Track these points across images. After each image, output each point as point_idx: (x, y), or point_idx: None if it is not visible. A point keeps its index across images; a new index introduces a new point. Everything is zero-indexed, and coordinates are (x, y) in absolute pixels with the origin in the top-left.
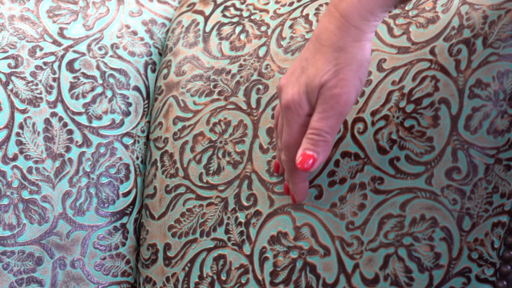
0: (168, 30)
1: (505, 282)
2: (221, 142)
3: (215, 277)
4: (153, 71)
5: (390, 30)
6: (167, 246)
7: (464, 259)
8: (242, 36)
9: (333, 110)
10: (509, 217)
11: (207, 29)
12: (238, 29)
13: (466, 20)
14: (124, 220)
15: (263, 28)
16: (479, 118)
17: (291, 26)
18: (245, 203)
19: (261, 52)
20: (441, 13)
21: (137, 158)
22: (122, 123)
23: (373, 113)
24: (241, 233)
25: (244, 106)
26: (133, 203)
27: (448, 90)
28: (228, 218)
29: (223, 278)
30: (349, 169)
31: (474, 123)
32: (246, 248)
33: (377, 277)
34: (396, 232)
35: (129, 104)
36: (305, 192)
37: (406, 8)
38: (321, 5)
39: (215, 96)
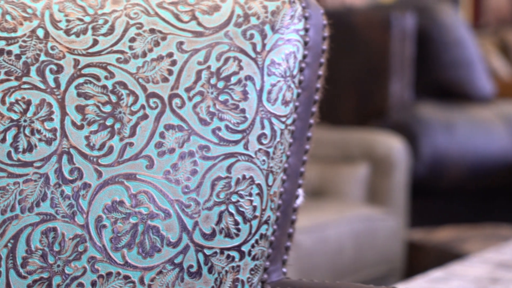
0: None
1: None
2: (25, 120)
3: (46, 249)
4: None
5: (176, 15)
6: None
7: (268, 209)
8: (8, 18)
9: None
10: None
11: None
12: None
13: (248, 9)
14: None
15: (29, 10)
16: (276, 92)
17: (61, 10)
18: (69, 177)
19: (40, 34)
20: (220, 1)
21: None
22: None
23: (187, 90)
24: (70, 205)
25: (42, 86)
26: None
27: (251, 68)
28: (52, 192)
29: (56, 249)
30: (175, 139)
31: (273, 96)
32: (79, 219)
33: (214, 231)
34: (225, 191)
35: None
36: None
37: None
38: None
39: (3, 76)
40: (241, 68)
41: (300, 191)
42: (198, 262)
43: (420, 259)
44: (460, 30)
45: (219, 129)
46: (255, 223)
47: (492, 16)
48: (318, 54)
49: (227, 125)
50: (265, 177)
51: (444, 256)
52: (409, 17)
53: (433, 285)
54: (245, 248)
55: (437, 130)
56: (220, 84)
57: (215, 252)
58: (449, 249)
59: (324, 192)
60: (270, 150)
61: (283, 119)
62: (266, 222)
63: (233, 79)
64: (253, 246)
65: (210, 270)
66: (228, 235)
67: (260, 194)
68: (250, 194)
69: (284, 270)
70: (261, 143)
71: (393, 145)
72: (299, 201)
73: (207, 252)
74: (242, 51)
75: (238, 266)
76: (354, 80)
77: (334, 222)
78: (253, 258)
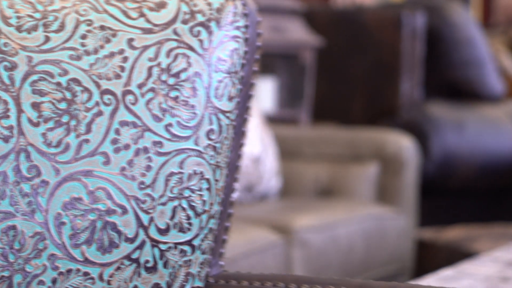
0: None
1: None
2: None
3: (7, 247)
4: None
5: (124, 12)
6: None
7: (215, 204)
8: None
9: None
10: None
11: None
12: None
13: (194, 6)
14: None
15: None
16: (222, 88)
17: (10, 6)
18: (27, 175)
19: None
20: None
21: None
22: None
23: (140, 86)
24: (30, 203)
25: None
26: None
27: (199, 65)
28: (11, 190)
29: (17, 247)
30: (130, 136)
31: (220, 92)
32: (39, 216)
33: (169, 226)
34: (178, 187)
35: None
36: None
37: None
38: None
39: None
40: (190, 64)
41: (236, 185)
42: (154, 257)
43: (430, 258)
44: (470, 29)
45: (171, 125)
46: (204, 217)
47: (502, 15)
48: (255, 51)
49: (178, 121)
50: (213, 172)
51: (454, 255)
52: (419, 16)
53: (444, 284)
54: (195, 242)
55: (447, 129)
56: (171, 81)
57: (170, 247)
58: (459, 248)
59: (334, 191)
60: (218, 145)
61: (228, 115)
62: (213, 216)
63: (183, 76)
64: (202, 240)
65: (165, 265)
66: (181, 229)
67: (209, 189)
68: (200, 189)
69: (222, 263)
70: (210, 139)
71: (403, 144)
72: (235, 195)
73: (162, 247)
74: (191, 47)
75: (190, 260)
76: (364, 79)
77: (344, 221)
78: (203, 252)
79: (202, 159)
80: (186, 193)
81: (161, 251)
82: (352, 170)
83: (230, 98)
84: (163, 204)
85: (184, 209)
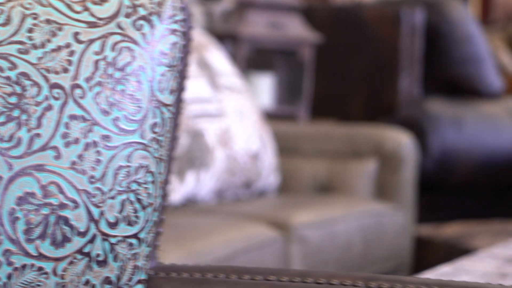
0: None
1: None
2: None
3: None
4: None
5: (68, 6)
6: None
7: (158, 197)
8: None
9: None
10: None
11: None
12: None
13: (135, 0)
14: None
15: None
16: (165, 82)
17: None
18: None
19: None
20: None
21: None
22: None
23: (87, 80)
24: None
25: None
26: None
27: (143, 59)
28: None
29: None
30: (80, 130)
31: (163, 86)
32: None
33: (118, 220)
34: (126, 180)
35: None
36: None
37: None
38: None
39: None
40: (134, 58)
41: (171, 178)
42: (104, 250)
43: (428, 255)
44: (469, 26)
45: (118, 119)
46: (150, 210)
47: (501, 12)
48: (189, 44)
49: (125, 115)
50: (157, 165)
51: (452, 252)
52: (418, 13)
53: None
54: (142, 235)
55: (446, 126)
56: (117, 74)
57: (119, 241)
58: (457, 245)
59: (332, 187)
60: (161, 138)
61: (170, 108)
62: (157, 209)
63: (128, 69)
64: (147, 233)
65: (115, 258)
66: (129, 223)
67: (153, 182)
68: (146, 182)
69: (157, 255)
70: (154, 132)
71: (401, 140)
72: (170, 187)
73: (112, 240)
74: (134, 41)
75: (137, 253)
76: (363, 76)
77: (343, 217)
78: (148, 245)
79: (148, 152)
80: (134, 186)
81: (111, 244)
82: (350, 166)
83: (171, 92)
84: (112, 197)
85: (131, 202)
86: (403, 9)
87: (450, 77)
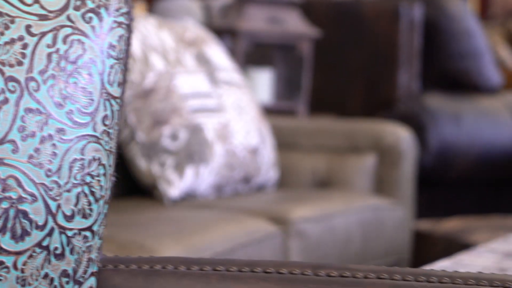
0: None
1: None
2: None
3: None
4: None
5: None
6: None
7: (108, 189)
8: None
9: None
10: None
11: None
12: None
13: None
14: None
15: None
16: (113, 74)
17: None
18: None
19: None
20: None
21: None
22: None
23: (41, 73)
24: None
25: None
26: None
27: (93, 51)
28: None
29: None
30: (36, 123)
31: (112, 78)
32: None
33: (74, 213)
34: (80, 173)
35: None
36: None
37: None
38: None
39: None
40: (85, 51)
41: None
42: (62, 244)
43: (427, 249)
44: (468, 21)
45: (71, 112)
46: (101, 202)
47: (499, 7)
48: (131, 36)
49: (78, 108)
50: (107, 157)
51: (451, 247)
52: (417, 8)
53: None
54: (95, 228)
55: (445, 121)
56: (69, 67)
57: (75, 233)
58: (456, 240)
59: (331, 182)
60: (111, 131)
61: (118, 101)
62: (107, 201)
63: (80, 62)
64: (100, 226)
65: (71, 251)
66: (84, 215)
67: (105, 175)
68: (99, 175)
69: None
70: (105, 125)
71: (400, 135)
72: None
73: (69, 233)
74: (84, 34)
75: (91, 246)
76: (362, 71)
77: (342, 212)
78: (100, 237)
79: (99, 145)
80: (87, 179)
81: (68, 237)
82: (349, 161)
83: (119, 84)
84: (68, 191)
85: (86, 195)
86: (402, 4)
87: (449, 72)
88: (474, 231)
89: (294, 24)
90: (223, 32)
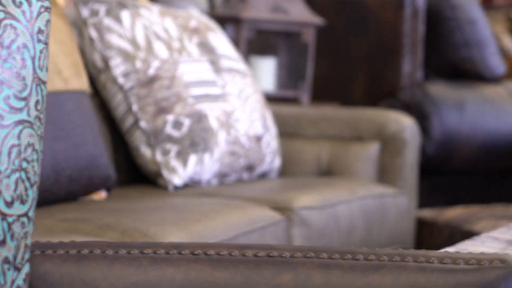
0: None
1: None
2: None
3: None
4: None
5: None
6: None
7: (37, 175)
8: None
9: None
10: None
11: None
12: None
13: None
14: None
15: None
16: (43, 59)
17: None
18: None
19: None
20: None
21: None
22: None
23: None
24: None
25: None
26: None
27: (25, 36)
28: None
29: None
30: None
31: (41, 63)
32: None
33: (13, 198)
34: (18, 158)
35: None
36: None
37: None
38: None
39: None
40: (17, 35)
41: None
42: (3, 230)
43: (430, 238)
44: (472, 9)
45: (8, 97)
46: (35, 188)
47: None
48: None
49: (14, 93)
50: (39, 142)
51: (454, 235)
52: None
53: None
54: (30, 214)
55: (448, 110)
56: (4, 52)
57: (14, 220)
58: (459, 228)
59: (334, 170)
60: (42, 116)
61: (45, 86)
62: (38, 187)
63: (13, 47)
64: (33, 211)
65: (11, 238)
66: (22, 201)
67: (37, 160)
68: (33, 160)
69: None
70: (37, 110)
71: (403, 124)
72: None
73: (9, 220)
74: (16, 18)
75: (27, 231)
76: (366, 60)
77: (345, 200)
78: (33, 223)
79: (33, 130)
80: (24, 164)
81: (8, 224)
82: (352, 149)
83: (46, 69)
84: (8, 176)
85: (23, 180)
86: None
87: (452, 61)
88: (477, 219)
89: (298, 12)
90: (226, 20)
